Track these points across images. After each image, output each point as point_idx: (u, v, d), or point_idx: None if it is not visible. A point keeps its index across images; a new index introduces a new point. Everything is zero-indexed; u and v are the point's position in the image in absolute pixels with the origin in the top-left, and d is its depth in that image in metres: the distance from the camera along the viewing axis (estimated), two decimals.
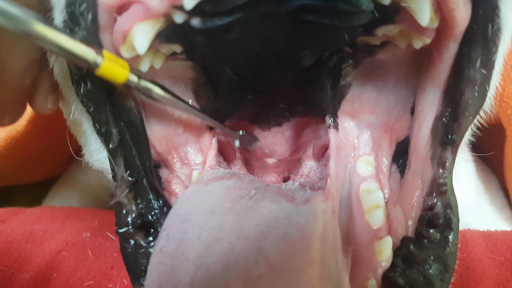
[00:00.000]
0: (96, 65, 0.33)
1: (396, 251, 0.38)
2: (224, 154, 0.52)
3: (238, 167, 0.54)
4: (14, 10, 0.28)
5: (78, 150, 0.51)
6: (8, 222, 0.58)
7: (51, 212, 0.63)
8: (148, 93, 0.38)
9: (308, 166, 0.51)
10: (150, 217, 0.39)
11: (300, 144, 0.55)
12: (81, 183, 0.88)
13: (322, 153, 0.50)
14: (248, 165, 0.56)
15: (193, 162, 0.47)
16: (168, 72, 0.43)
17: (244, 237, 0.32)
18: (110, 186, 0.83)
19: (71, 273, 0.52)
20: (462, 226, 0.41)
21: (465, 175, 0.72)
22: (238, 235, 0.32)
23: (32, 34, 0.30)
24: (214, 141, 0.48)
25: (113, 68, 0.34)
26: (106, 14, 0.34)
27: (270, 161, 0.55)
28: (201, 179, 0.41)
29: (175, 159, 0.46)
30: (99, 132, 0.39)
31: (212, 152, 0.47)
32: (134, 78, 0.36)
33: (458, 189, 0.40)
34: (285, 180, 0.55)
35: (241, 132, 0.50)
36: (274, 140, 0.55)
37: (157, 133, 0.44)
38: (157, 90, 0.38)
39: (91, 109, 0.38)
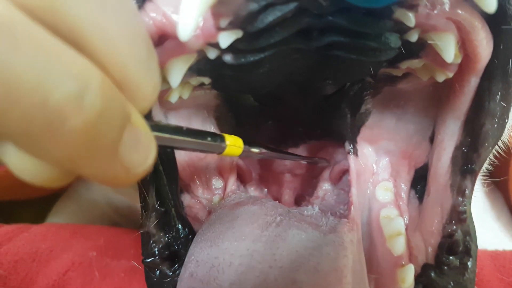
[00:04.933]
0: (220, 152, 0.38)
1: (417, 278, 0.39)
2: (241, 176, 0.53)
3: (253, 188, 0.55)
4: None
5: None
6: (14, 240, 0.57)
7: (56, 230, 0.62)
8: (252, 155, 0.43)
9: (324, 188, 0.52)
10: (176, 246, 0.40)
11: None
12: (86, 198, 0.87)
13: (339, 177, 0.51)
14: (264, 181, 0.57)
15: (214, 187, 0.48)
16: (194, 100, 0.43)
17: (277, 267, 0.33)
18: (115, 202, 0.84)
19: None
20: None
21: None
22: (271, 264, 0.33)
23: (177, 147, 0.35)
24: (233, 165, 0.49)
25: (232, 149, 0.39)
26: None
27: (287, 176, 0.56)
28: (225, 204, 0.42)
29: (197, 184, 0.47)
30: None
31: (233, 176, 0.48)
32: (246, 150, 0.41)
33: None
34: (298, 198, 0.55)
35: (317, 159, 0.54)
36: (291, 161, 0.56)
37: (182, 160, 0.44)
38: (257, 150, 0.43)
39: None
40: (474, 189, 0.70)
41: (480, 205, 0.74)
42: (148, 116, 0.38)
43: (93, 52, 0.23)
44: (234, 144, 0.39)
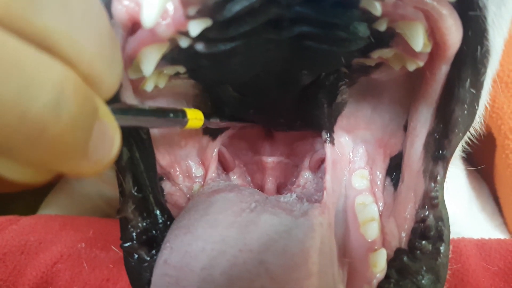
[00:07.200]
0: (183, 126, 0.40)
1: (390, 263, 0.40)
2: (223, 164, 0.54)
3: (236, 175, 0.55)
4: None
5: None
6: (2, 232, 0.58)
7: (45, 222, 0.62)
8: (211, 125, 0.46)
9: (305, 177, 0.52)
10: (154, 232, 0.40)
11: (296, 152, 0.57)
12: (78, 190, 0.87)
13: (318, 166, 0.52)
14: (248, 169, 0.57)
15: (194, 175, 0.48)
16: (171, 90, 0.44)
17: (246, 250, 0.34)
18: (107, 194, 0.84)
19: (66, 286, 0.52)
20: (455, 233, 0.42)
21: (457, 183, 0.73)
22: (241, 248, 0.34)
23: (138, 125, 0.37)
24: (215, 153, 0.50)
25: (194, 122, 0.41)
26: (121, 32, 0.35)
27: (270, 160, 0.56)
28: (203, 192, 0.43)
29: (178, 172, 0.47)
30: None
31: (214, 164, 0.49)
32: (206, 122, 0.43)
33: (451, 197, 0.41)
34: (280, 187, 0.56)
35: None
36: (271, 149, 0.57)
37: (161, 147, 0.45)
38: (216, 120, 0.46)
39: None
40: (459, 180, 0.72)
41: (466, 195, 0.75)
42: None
43: (61, 53, 0.22)
44: (195, 117, 0.40)
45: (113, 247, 0.54)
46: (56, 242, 0.57)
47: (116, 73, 0.28)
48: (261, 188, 0.55)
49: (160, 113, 0.37)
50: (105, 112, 0.26)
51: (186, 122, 0.39)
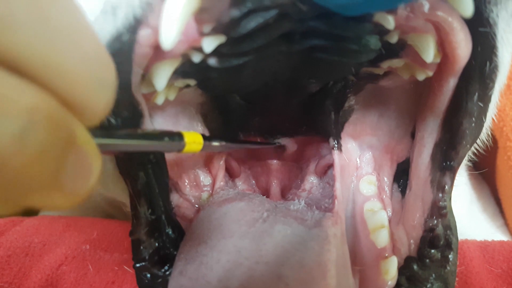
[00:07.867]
0: (180, 149, 0.36)
1: (401, 270, 0.40)
2: (229, 170, 0.54)
3: (242, 181, 0.55)
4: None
5: None
6: (6, 234, 0.57)
7: (49, 223, 0.61)
8: (213, 149, 0.44)
9: (310, 181, 0.52)
10: (166, 250, 0.40)
11: (301, 156, 0.57)
12: None
13: (325, 171, 0.52)
14: (253, 172, 0.58)
15: (202, 184, 0.48)
16: (179, 99, 0.44)
17: (263, 262, 0.34)
18: (109, 194, 0.84)
19: None
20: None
21: (459, 184, 0.73)
22: (257, 260, 0.34)
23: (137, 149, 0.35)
24: (222, 161, 0.50)
25: (192, 146, 0.37)
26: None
27: (275, 162, 0.56)
28: (213, 201, 0.43)
29: (186, 182, 0.47)
30: (126, 174, 0.39)
31: (221, 172, 0.49)
32: (206, 144, 0.40)
33: (452, 197, 0.42)
34: (284, 189, 0.57)
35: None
36: (277, 154, 0.57)
37: (170, 159, 0.45)
38: (217, 144, 0.43)
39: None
40: (461, 181, 0.73)
41: (467, 196, 0.75)
42: None
43: (37, 76, 0.20)
44: (193, 141, 0.38)
45: (126, 269, 0.54)
46: (60, 243, 0.57)
47: (105, 98, 0.24)
48: (266, 191, 0.55)
49: (153, 136, 0.34)
50: (85, 139, 0.23)
51: (184, 145, 0.36)
